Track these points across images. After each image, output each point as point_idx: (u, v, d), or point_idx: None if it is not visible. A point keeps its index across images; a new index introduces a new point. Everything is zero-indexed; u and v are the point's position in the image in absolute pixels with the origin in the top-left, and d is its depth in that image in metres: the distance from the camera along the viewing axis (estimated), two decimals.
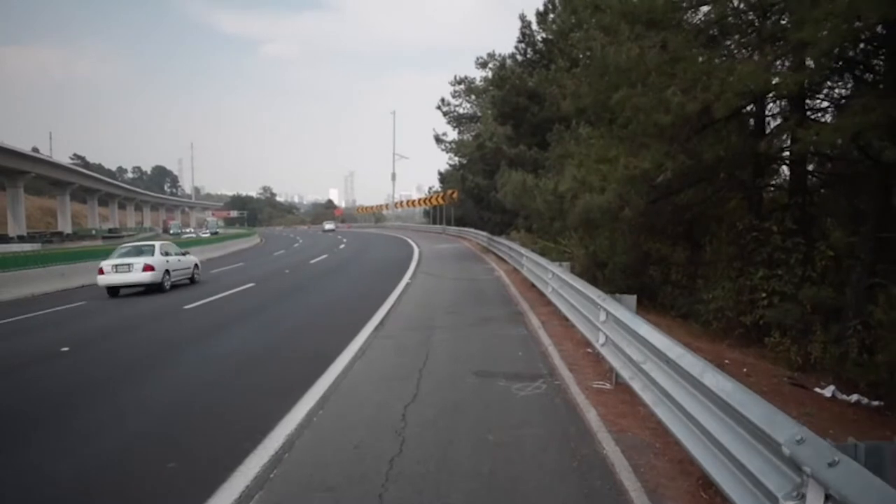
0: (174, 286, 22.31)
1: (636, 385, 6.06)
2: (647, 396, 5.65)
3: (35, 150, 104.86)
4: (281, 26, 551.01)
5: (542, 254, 20.27)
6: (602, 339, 7.79)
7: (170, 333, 13.13)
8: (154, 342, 12.24)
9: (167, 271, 22.14)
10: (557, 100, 24.55)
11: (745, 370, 11.37)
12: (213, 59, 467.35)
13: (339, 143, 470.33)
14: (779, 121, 16.42)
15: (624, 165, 12.49)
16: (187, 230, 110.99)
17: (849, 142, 10.06)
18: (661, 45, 12.73)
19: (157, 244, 23.35)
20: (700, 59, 12.03)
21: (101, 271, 21.34)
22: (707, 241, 17.25)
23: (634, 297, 7.74)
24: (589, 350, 9.35)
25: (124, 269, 21.20)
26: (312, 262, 33.13)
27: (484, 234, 35.25)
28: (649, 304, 18.54)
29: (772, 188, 17.29)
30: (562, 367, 8.64)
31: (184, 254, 24.77)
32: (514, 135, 28.92)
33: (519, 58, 29.40)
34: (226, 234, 67.38)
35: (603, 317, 7.77)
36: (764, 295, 13.93)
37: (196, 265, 25.28)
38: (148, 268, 21.22)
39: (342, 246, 49.06)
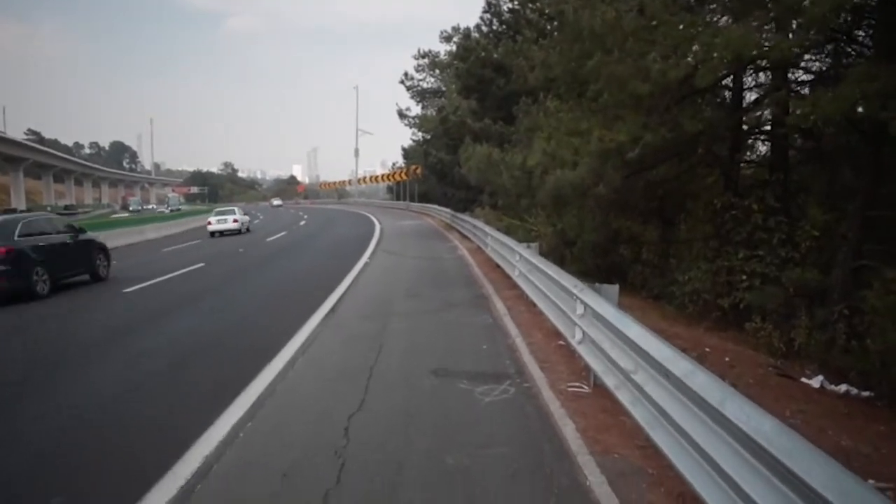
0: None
1: (623, 396, 5.06)
2: (639, 413, 4.64)
3: None
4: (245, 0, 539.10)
5: (508, 232, 19.33)
6: (579, 336, 6.78)
7: (100, 324, 11.86)
8: (82, 334, 11.00)
9: (242, 223, 37.02)
10: (524, 72, 23.44)
11: (727, 359, 10.54)
12: (174, 32, 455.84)
13: (303, 119, 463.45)
14: (754, 95, 15.61)
15: (598, 138, 11.44)
16: (148, 206, 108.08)
17: (847, 112, 9.14)
18: (639, 9, 11.70)
19: (236, 208, 41.12)
20: (681, 24, 10.98)
21: (209, 223, 36.54)
22: (681, 219, 16.42)
23: (616, 287, 6.70)
24: (561, 343, 8.37)
25: (223, 221, 36.22)
26: (269, 239, 31.76)
27: (447, 210, 34.15)
28: (619, 285, 17.70)
29: (751, 164, 16.48)
30: (531, 363, 7.63)
31: (245, 213, 40.48)
32: (478, 108, 27.69)
33: (484, 29, 28.02)
34: (185, 211, 65.28)
35: (580, 310, 6.75)
36: (744, 277, 13.12)
37: (249, 220, 40.37)
38: (235, 220, 36.33)
39: (302, 223, 47.60)
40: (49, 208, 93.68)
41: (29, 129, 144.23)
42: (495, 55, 25.18)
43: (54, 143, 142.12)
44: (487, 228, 17.48)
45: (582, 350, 6.57)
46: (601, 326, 5.97)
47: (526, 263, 10.95)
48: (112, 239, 33.18)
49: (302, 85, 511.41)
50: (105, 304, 13.95)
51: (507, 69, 24.96)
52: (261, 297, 13.90)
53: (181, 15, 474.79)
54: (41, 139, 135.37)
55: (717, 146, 15.50)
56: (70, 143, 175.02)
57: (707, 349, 10.78)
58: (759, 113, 12.92)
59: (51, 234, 16.03)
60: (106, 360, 8.84)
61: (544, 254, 13.49)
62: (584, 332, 6.59)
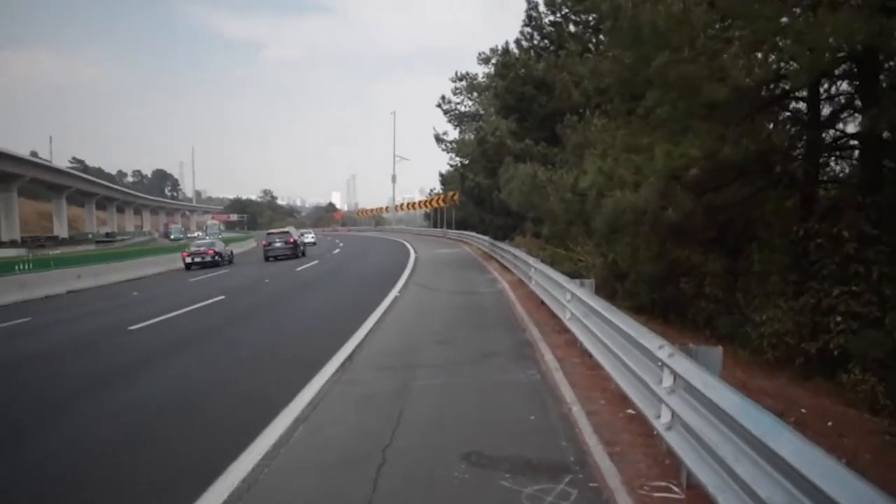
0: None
1: None
2: None
3: (34, 154, 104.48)
4: (283, 29, 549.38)
5: (553, 263, 17.54)
6: (666, 418, 4.87)
7: (86, 369, 10.44)
8: (61, 383, 9.56)
9: (316, 238, 63.13)
10: (568, 88, 21.80)
11: (830, 424, 8.53)
12: (215, 62, 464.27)
13: (343, 147, 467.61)
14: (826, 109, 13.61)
15: (665, 154, 9.53)
16: (192, 234, 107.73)
17: None
18: (709, 2, 9.88)
19: (313, 230, 77.27)
20: (765, 15, 9.10)
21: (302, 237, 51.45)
22: (751, 248, 14.32)
23: (719, 351, 4.82)
24: (631, 412, 6.47)
25: (308, 235, 57.75)
26: (298, 269, 30.37)
27: (485, 238, 32.32)
28: (678, 322, 15.69)
29: (829, 184, 14.40)
30: (596, 447, 5.70)
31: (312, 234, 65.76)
32: (518, 129, 25.90)
33: (525, 44, 25.97)
34: (225, 238, 64.39)
35: (668, 381, 4.86)
36: (838, 318, 11.03)
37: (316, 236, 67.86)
38: (312, 237, 60.57)
39: (336, 251, 46.49)
40: (91, 235, 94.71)
41: (73, 158, 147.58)
42: (536, 71, 23.46)
43: (98, 172, 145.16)
44: (531, 260, 15.59)
45: (672, 439, 4.67)
46: (707, 413, 4.08)
47: (580, 305, 9.04)
48: (140, 268, 32.31)
49: (341, 113, 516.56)
50: (103, 347, 12.48)
51: (549, 86, 23.21)
52: (274, 339, 12.27)
53: (222, 45, 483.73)
54: (85, 167, 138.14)
55: (792, 164, 13.52)
56: (113, 172, 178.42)
57: (803, 410, 8.79)
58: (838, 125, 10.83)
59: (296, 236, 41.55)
60: (71, 421, 7.22)
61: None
62: (673, 414, 4.70)
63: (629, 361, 6.01)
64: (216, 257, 35.66)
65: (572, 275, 14.36)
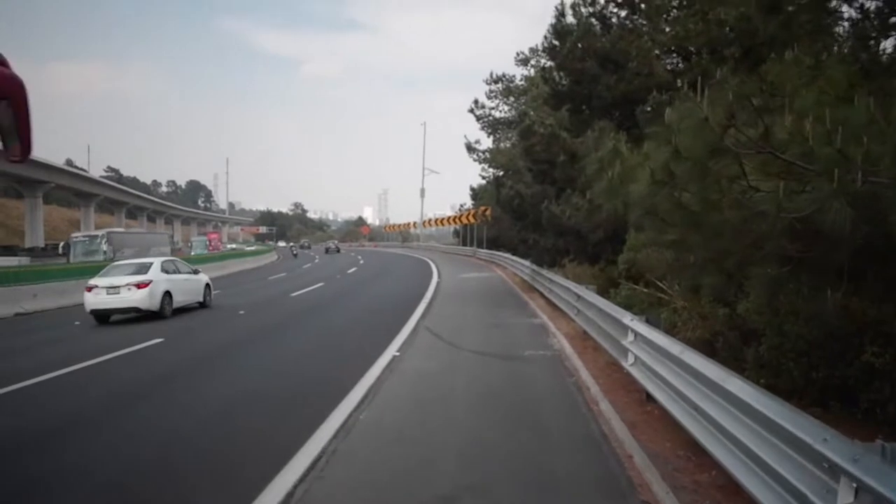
0: None
1: None
2: None
3: (69, 162, 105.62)
4: (321, 46, 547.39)
5: (628, 304, 11.43)
6: None
7: None
8: None
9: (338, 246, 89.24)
10: (650, 59, 15.66)
11: None
12: (252, 77, 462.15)
13: (376, 162, 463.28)
14: None
15: None
16: (230, 246, 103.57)
17: None
18: None
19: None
20: None
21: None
22: None
23: None
24: None
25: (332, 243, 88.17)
26: (294, 294, 24.58)
27: (525, 263, 25.85)
28: (842, 413, 9.22)
29: None
30: None
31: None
32: (573, 123, 19.50)
33: (584, 9, 19.14)
34: (225, 254, 59.45)
35: None
36: None
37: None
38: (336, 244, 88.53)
39: (352, 270, 41.01)
40: None
41: (108, 167, 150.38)
42: (601, 43, 17.16)
43: (132, 181, 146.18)
44: (626, 318, 8.77)
45: None
46: None
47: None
48: None
49: (375, 128, 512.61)
50: None
51: (617, 63, 16.88)
52: (140, 468, 6.13)
53: (261, 60, 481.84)
54: (119, 177, 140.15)
55: None
56: (148, 181, 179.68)
57: None
58: None
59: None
60: None
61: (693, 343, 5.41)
62: None
63: None
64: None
65: (669, 330, 8.40)
